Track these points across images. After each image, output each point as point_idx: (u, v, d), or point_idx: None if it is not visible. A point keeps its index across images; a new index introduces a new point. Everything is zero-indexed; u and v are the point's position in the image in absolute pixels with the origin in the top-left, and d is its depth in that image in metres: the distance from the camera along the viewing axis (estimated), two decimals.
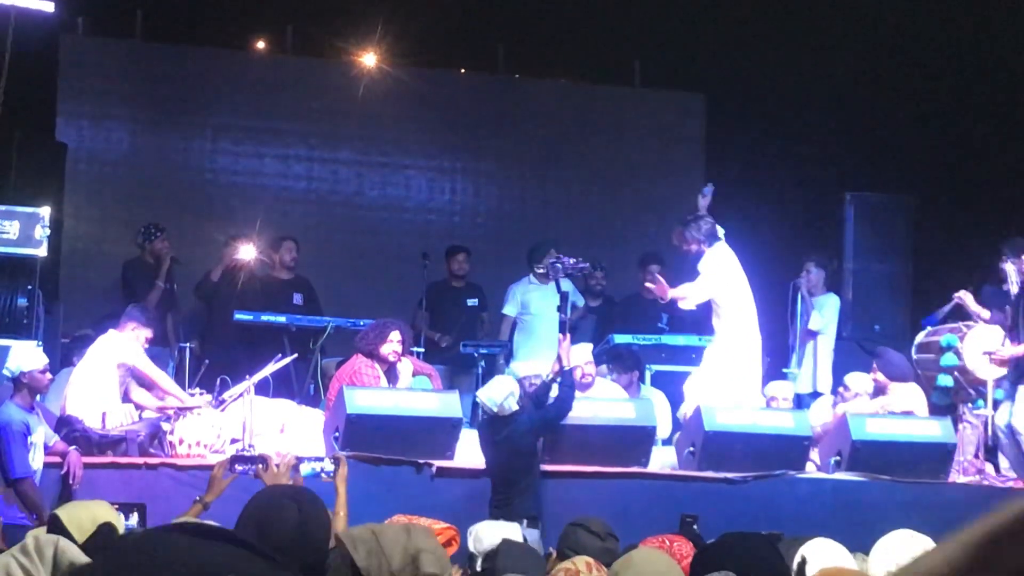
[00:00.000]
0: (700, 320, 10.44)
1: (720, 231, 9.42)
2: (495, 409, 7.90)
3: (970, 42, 11.31)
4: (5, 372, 7.49)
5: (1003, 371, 9.25)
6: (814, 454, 9.18)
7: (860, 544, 4.11)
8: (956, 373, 9.39)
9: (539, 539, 6.87)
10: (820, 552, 4.09)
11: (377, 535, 2.77)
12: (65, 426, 8.01)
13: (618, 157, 13.78)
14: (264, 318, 10.34)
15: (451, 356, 10.95)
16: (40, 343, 8.31)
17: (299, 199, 13.16)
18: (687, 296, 9.32)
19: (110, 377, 8.38)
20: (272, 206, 12.28)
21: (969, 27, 11.13)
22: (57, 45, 12.19)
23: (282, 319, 10.37)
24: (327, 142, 13.31)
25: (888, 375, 9.49)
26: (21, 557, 2.37)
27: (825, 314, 10.73)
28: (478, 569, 4.87)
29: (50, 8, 9.34)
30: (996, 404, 9.26)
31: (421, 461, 8.29)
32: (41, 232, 8.39)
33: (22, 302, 8.40)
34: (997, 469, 9.39)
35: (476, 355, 10.47)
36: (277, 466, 5.19)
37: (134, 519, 5.28)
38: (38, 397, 7.76)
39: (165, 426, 8.25)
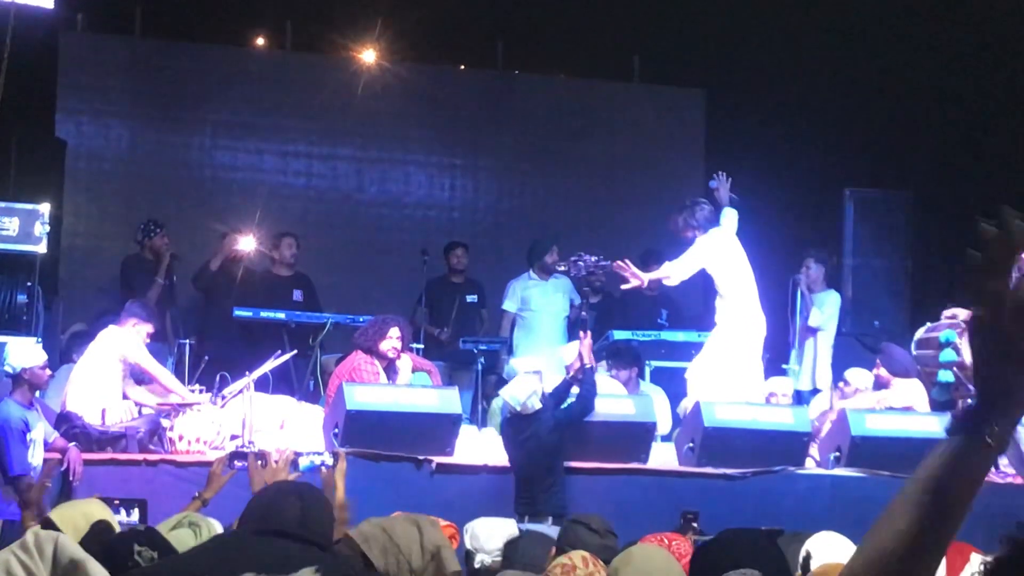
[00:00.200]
0: (700, 316, 10.46)
1: (732, 218, 9.39)
2: (518, 408, 7.92)
3: (969, 38, 11.29)
4: (6, 368, 7.49)
5: None
6: (813, 450, 9.19)
7: (859, 540, 4.11)
8: (955, 369, 9.38)
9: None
10: (825, 546, 4.09)
11: (388, 532, 2.75)
12: (65, 423, 8.02)
13: (617, 153, 13.77)
14: (263, 314, 10.35)
15: (450, 352, 10.95)
16: (39, 339, 8.32)
17: (298, 195, 13.15)
18: (669, 274, 9.31)
19: (110, 374, 8.38)
20: (271, 202, 12.27)
21: (968, 22, 11.12)
22: (56, 42, 12.17)
23: (281, 315, 10.38)
24: (326, 138, 13.31)
25: (891, 371, 9.50)
26: (21, 553, 2.37)
27: (825, 310, 10.73)
28: (475, 567, 4.88)
29: (49, 5, 9.35)
30: None
31: (421, 457, 8.30)
32: (40, 229, 8.40)
33: (21, 299, 8.41)
34: (996, 466, 9.40)
35: (475, 351, 10.47)
36: (276, 462, 5.20)
37: (134, 515, 5.28)
38: (37, 393, 7.77)
39: (165, 423, 8.26)
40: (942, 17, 11.21)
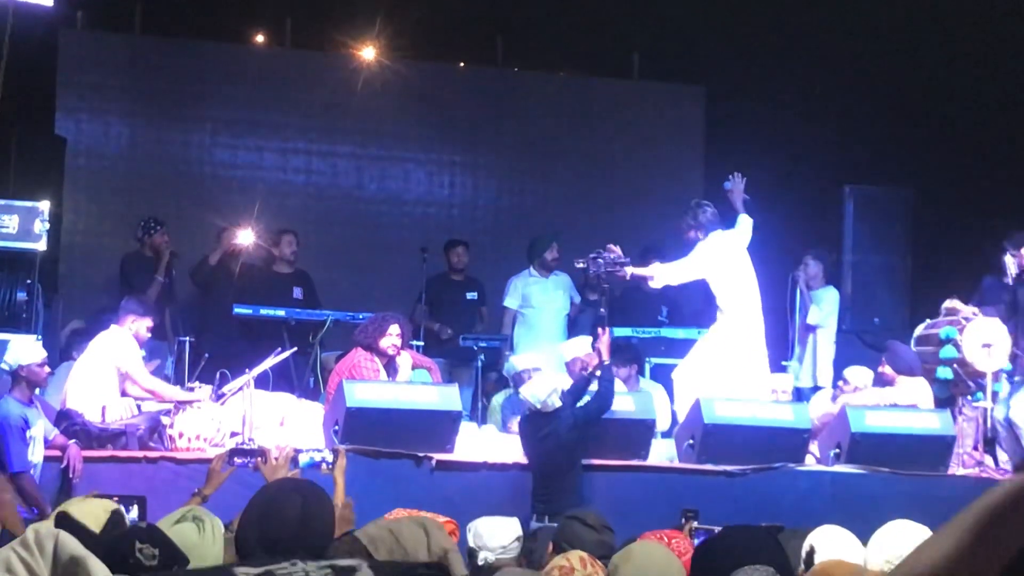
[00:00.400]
0: (700, 313, 10.45)
1: (746, 225, 9.38)
2: (538, 405, 7.92)
3: (970, 35, 11.29)
4: (4, 366, 7.49)
5: (1003, 364, 9.26)
6: (813, 447, 9.19)
7: (859, 536, 4.11)
8: (955, 365, 9.39)
9: None
10: (829, 540, 4.08)
11: (395, 534, 2.73)
12: (65, 420, 8.02)
13: (617, 150, 13.76)
14: (263, 312, 10.36)
15: (451, 349, 10.95)
16: (39, 337, 8.32)
17: (298, 192, 13.15)
18: (655, 275, 9.29)
19: (110, 371, 8.37)
20: (271, 199, 12.26)
21: (969, 20, 11.12)
22: (56, 39, 12.17)
23: (281, 313, 10.39)
24: (326, 136, 13.30)
25: (896, 368, 9.50)
26: (21, 551, 2.37)
27: (824, 307, 10.73)
28: (478, 564, 4.88)
29: (49, 3, 9.34)
30: (995, 396, 9.27)
31: (421, 454, 8.30)
32: (40, 226, 8.39)
33: (21, 296, 8.41)
34: (996, 462, 9.40)
35: (476, 348, 10.47)
36: (276, 459, 5.20)
37: (134, 512, 5.28)
38: (37, 391, 7.77)
39: (165, 420, 8.26)
40: (942, 15, 11.20)
